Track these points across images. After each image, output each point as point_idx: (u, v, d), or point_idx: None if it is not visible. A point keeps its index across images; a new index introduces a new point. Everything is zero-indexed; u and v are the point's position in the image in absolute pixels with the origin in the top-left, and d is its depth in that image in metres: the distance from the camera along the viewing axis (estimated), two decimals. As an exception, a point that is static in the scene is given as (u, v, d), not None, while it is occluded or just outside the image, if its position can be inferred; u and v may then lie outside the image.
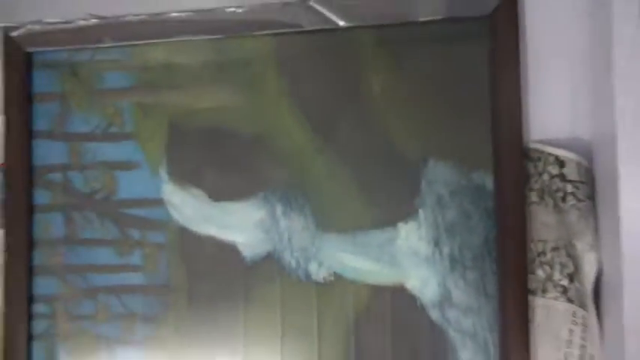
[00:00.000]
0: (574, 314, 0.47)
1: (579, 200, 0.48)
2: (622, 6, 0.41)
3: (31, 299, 0.56)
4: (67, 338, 0.55)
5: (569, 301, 0.47)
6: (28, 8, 0.57)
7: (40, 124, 0.57)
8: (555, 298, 0.47)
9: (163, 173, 0.55)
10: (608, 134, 0.44)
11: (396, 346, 0.50)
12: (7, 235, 0.56)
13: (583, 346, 0.47)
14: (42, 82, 0.57)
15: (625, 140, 0.41)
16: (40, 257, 0.56)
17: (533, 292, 0.48)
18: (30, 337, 0.55)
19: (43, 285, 0.56)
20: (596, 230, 0.48)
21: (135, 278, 0.55)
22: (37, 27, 0.56)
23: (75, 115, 0.57)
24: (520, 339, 0.47)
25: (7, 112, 0.56)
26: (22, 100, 0.56)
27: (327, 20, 0.52)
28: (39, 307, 0.56)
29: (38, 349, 0.56)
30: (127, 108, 0.56)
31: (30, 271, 0.56)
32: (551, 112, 0.51)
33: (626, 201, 0.40)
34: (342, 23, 0.52)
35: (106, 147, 0.56)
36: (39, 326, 0.56)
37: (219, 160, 0.54)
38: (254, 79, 0.54)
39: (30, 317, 0.55)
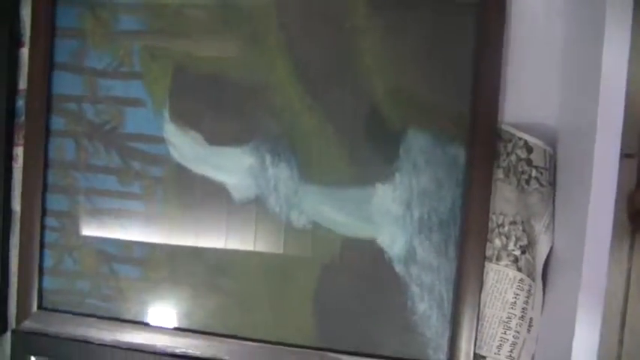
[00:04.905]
0: (521, 281, 0.51)
1: (541, 185, 0.51)
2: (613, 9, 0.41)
3: (44, 213, 0.60)
4: (73, 250, 0.60)
5: (518, 269, 0.51)
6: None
7: (60, 56, 0.59)
8: (506, 266, 0.51)
9: (166, 113, 0.57)
10: (579, 128, 0.46)
11: (362, 291, 0.55)
12: (26, 154, 0.60)
13: (525, 309, 0.51)
14: (64, 18, 0.59)
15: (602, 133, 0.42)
16: (53, 177, 0.60)
17: (489, 259, 0.52)
18: (42, 246, 0.61)
19: (54, 201, 0.60)
20: (552, 214, 0.52)
21: (134, 205, 0.59)
22: (64, -36, 0.58)
23: (91, 51, 0.59)
24: (472, 298, 0.52)
25: (32, 43, 0.59)
26: (46, 33, 0.58)
27: (328, -15, 0.53)
28: (50, 221, 0.61)
29: (48, 257, 0.61)
30: (136, 50, 0.58)
31: (44, 188, 0.60)
32: (526, 98, 0.53)
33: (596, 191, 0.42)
34: (341, -10, 0.53)
35: (117, 84, 0.58)
36: (50, 237, 0.61)
37: (217, 107, 0.56)
38: (254, 33, 0.55)
39: (42, 228, 0.60)
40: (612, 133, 0.41)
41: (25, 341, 0.60)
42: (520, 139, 0.51)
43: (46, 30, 0.59)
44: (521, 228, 0.51)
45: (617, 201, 0.42)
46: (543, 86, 0.53)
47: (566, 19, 0.52)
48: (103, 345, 0.59)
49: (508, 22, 0.52)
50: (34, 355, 0.60)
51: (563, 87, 0.51)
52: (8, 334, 0.62)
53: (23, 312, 0.61)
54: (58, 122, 0.60)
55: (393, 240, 0.54)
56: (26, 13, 0.60)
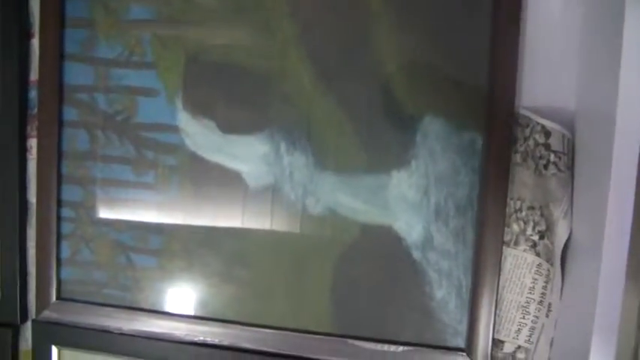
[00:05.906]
0: (539, 266, 0.51)
1: (560, 170, 0.51)
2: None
3: (59, 204, 0.60)
4: (90, 240, 0.61)
5: (537, 254, 0.51)
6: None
7: (71, 47, 0.59)
8: (525, 250, 0.51)
9: (179, 102, 0.57)
10: (598, 112, 0.45)
11: (380, 278, 0.55)
12: (39, 145, 0.60)
13: (543, 294, 0.51)
14: (74, 8, 0.58)
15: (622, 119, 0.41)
16: (67, 168, 0.60)
17: (507, 244, 0.52)
18: (59, 237, 0.61)
19: (69, 192, 0.60)
20: (571, 199, 0.51)
21: (149, 195, 0.59)
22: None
23: (101, 41, 0.58)
24: (490, 283, 0.52)
25: (41, 34, 0.58)
26: (56, 24, 0.58)
27: (341, -27, 0.52)
28: (66, 212, 0.61)
29: (65, 248, 0.61)
30: (147, 39, 0.57)
31: (59, 179, 0.60)
32: (543, 82, 0.52)
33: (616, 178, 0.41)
34: (355, -23, 0.52)
35: (129, 73, 0.58)
36: (66, 228, 0.61)
37: (230, 95, 0.56)
38: (267, 21, 0.54)
39: (59, 219, 0.60)
40: (633, 116, 0.40)
41: (45, 331, 0.61)
42: (538, 123, 0.51)
43: (56, 20, 0.58)
44: (539, 213, 0.51)
45: (638, 185, 0.41)
46: (561, 69, 0.51)
47: (584, 0, 0.50)
48: (123, 334, 0.59)
49: (525, 4, 0.51)
50: (55, 345, 0.61)
51: (582, 70, 0.50)
52: (29, 323, 0.63)
53: (43, 302, 0.61)
54: (70, 113, 0.60)
55: (410, 226, 0.54)
56: (35, 4, 0.59)
